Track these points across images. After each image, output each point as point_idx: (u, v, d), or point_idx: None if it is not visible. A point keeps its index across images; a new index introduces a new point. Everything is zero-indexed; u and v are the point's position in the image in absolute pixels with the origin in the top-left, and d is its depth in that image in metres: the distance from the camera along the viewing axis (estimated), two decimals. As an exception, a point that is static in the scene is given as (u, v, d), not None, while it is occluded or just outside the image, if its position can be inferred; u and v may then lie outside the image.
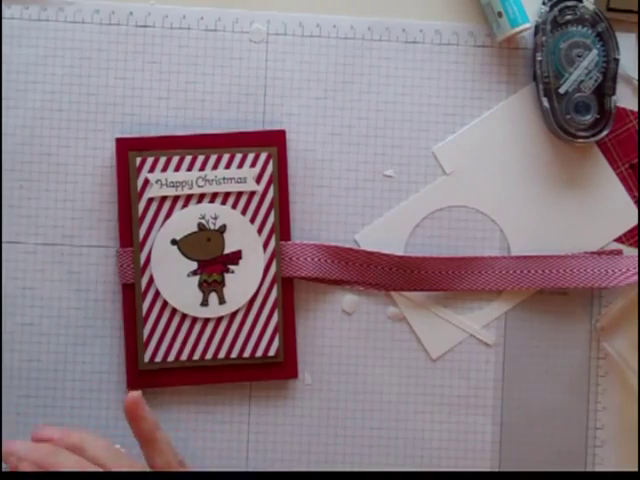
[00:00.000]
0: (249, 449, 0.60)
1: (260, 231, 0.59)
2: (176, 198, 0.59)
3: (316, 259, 0.59)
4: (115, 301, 0.60)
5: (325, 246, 0.60)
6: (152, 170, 0.59)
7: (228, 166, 0.59)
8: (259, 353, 0.59)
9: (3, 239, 0.60)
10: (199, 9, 0.61)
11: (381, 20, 0.61)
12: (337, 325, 0.61)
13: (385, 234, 0.61)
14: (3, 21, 0.60)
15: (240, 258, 0.59)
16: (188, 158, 0.59)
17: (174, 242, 0.59)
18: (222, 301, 0.59)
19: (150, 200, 0.59)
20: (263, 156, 0.59)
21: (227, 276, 0.59)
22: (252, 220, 0.59)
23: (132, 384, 0.59)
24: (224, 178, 0.59)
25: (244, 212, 0.59)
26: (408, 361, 0.61)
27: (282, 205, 0.60)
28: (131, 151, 0.59)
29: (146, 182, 0.59)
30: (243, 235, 0.59)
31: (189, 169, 0.59)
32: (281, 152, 0.60)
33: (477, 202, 0.61)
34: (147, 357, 0.59)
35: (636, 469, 0.61)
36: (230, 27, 0.61)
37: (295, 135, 0.61)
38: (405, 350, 0.61)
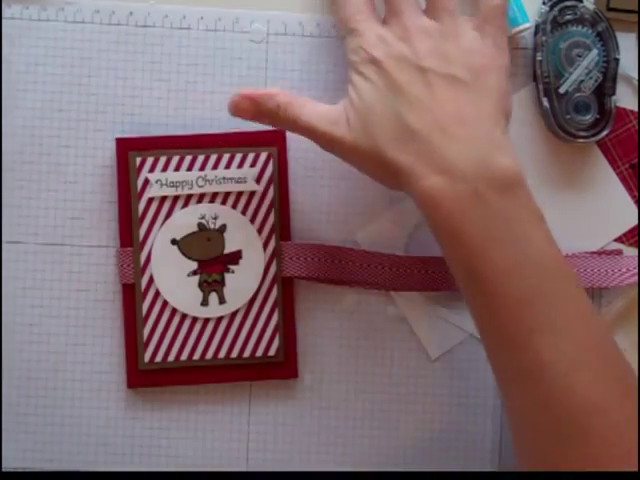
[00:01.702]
0: (249, 449, 0.60)
1: (260, 231, 0.59)
2: (176, 198, 0.59)
3: (316, 259, 0.59)
4: (115, 301, 0.60)
5: (325, 246, 0.60)
6: (152, 170, 0.59)
7: (228, 166, 0.59)
8: (259, 353, 0.59)
9: (3, 239, 0.60)
10: (199, 9, 0.61)
11: (381, 20, 0.61)
12: (337, 325, 0.61)
13: (385, 234, 0.61)
14: (3, 21, 0.60)
15: (240, 258, 0.59)
16: (188, 158, 0.59)
17: (174, 242, 0.59)
18: (222, 301, 0.59)
19: (150, 200, 0.59)
20: (263, 156, 0.59)
21: (227, 276, 0.59)
22: (252, 220, 0.59)
23: (132, 384, 0.59)
24: (224, 178, 0.59)
25: (244, 212, 0.59)
26: (408, 361, 0.61)
27: (282, 205, 0.60)
28: (131, 151, 0.59)
29: (146, 182, 0.59)
30: (243, 235, 0.59)
31: (189, 169, 0.59)
32: (281, 152, 0.60)
33: (477, 202, 0.61)
34: (147, 357, 0.59)
35: (636, 469, 0.61)
36: (230, 27, 0.61)
37: (295, 135, 0.60)
38: (405, 350, 0.61)
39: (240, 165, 0.59)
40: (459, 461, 0.61)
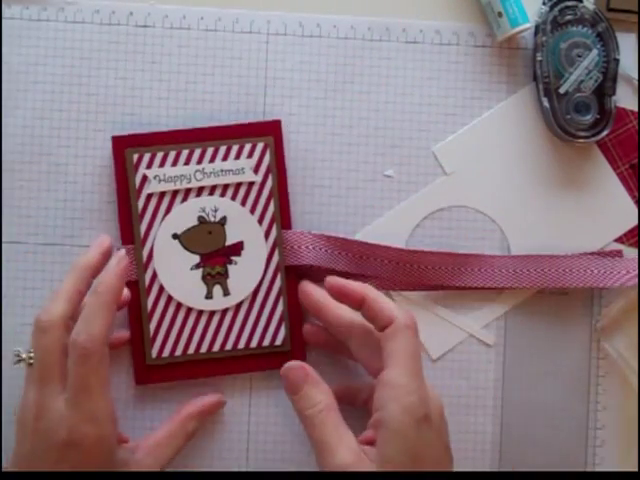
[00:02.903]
0: (249, 449, 0.60)
1: (261, 221, 0.59)
2: (175, 192, 0.59)
3: (317, 248, 0.59)
4: (116, 300, 0.60)
5: (326, 236, 0.59)
6: (150, 166, 0.59)
7: (225, 158, 0.59)
8: (266, 343, 0.59)
9: (3, 239, 0.60)
10: (199, 9, 0.61)
11: (381, 20, 0.61)
12: (337, 325, 0.61)
13: (385, 234, 0.61)
14: (3, 21, 0.60)
15: (242, 249, 0.59)
16: (185, 152, 0.59)
17: (175, 236, 0.59)
18: (226, 293, 0.59)
19: (149, 196, 0.59)
20: (260, 146, 0.59)
21: (230, 267, 0.59)
22: (252, 210, 0.59)
23: (140, 380, 0.59)
24: (222, 170, 0.59)
25: (244, 203, 0.59)
26: (408, 361, 0.61)
27: (282, 194, 0.59)
28: (128, 148, 0.59)
29: (144, 178, 0.59)
30: (244, 226, 0.59)
31: (186, 163, 0.59)
32: (277, 141, 0.59)
33: (477, 202, 0.61)
34: (154, 353, 0.59)
35: (636, 469, 0.61)
36: (230, 27, 0.61)
37: (295, 135, 0.61)
38: (405, 350, 0.61)
39: (237, 156, 0.59)
40: (459, 461, 0.61)
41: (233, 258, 0.59)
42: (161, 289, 0.59)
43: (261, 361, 0.59)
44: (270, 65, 0.61)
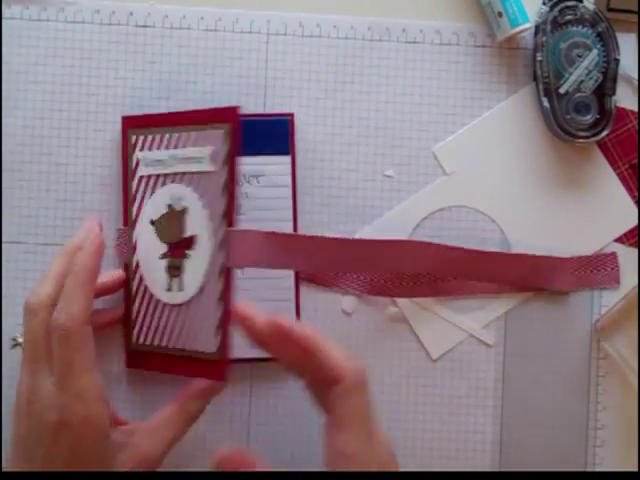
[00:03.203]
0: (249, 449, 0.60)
1: (211, 215, 0.55)
2: (157, 177, 0.57)
3: (264, 248, 0.55)
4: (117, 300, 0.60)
5: (273, 233, 0.55)
6: (142, 149, 0.58)
7: (192, 144, 0.56)
8: (200, 347, 0.55)
9: (3, 239, 0.60)
10: (199, 9, 0.61)
11: (381, 20, 0.61)
12: (337, 325, 0.61)
13: (385, 234, 0.61)
14: (3, 21, 0.60)
15: (194, 244, 0.55)
16: (166, 136, 0.57)
17: (152, 222, 0.57)
18: (181, 288, 0.56)
19: (141, 178, 0.58)
20: (216, 134, 0.55)
21: (186, 262, 0.56)
22: (205, 203, 0.55)
23: (129, 364, 0.59)
24: (185, 157, 0.56)
25: (201, 194, 0.55)
26: (408, 361, 0.61)
27: (232, 188, 0.54)
28: (130, 129, 0.58)
29: (138, 160, 0.58)
30: (198, 219, 0.55)
31: (166, 147, 0.57)
32: (234, 130, 0.54)
33: (477, 202, 0.61)
34: (134, 338, 0.58)
35: (636, 469, 0.61)
36: (230, 27, 0.61)
37: (295, 135, 0.60)
38: (405, 350, 0.61)
39: (200, 144, 0.55)
40: (459, 461, 0.61)
41: (187, 252, 0.56)
42: (142, 274, 0.58)
43: (194, 367, 0.55)
44: (270, 65, 0.61)
